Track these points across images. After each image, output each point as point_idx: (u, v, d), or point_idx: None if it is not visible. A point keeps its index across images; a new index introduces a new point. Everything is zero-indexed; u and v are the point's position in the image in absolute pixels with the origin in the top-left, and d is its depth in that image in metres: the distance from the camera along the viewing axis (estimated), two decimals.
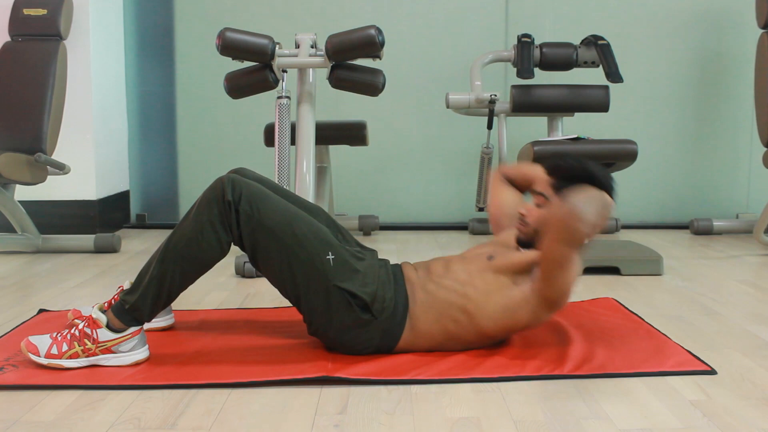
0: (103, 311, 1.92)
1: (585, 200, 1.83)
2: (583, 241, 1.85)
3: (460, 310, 1.93)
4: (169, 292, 1.89)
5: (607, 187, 1.97)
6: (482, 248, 2.11)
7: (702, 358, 1.96)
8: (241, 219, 1.87)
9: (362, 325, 1.90)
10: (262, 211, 1.87)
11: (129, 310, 1.88)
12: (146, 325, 2.05)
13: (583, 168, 1.99)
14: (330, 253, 1.89)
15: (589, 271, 3.02)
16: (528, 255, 1.97)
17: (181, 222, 1.92)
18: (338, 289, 1.88)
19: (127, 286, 1.99)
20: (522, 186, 2.29)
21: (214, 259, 1.91)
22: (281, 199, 1.95)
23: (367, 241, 3.86)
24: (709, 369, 1.88)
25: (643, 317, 2.37)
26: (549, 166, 2.06)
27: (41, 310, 2.44)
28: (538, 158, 3.18)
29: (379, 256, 2.15)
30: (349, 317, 1.89)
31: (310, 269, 1.88)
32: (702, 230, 4.02)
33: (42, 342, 1.90)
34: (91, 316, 1.90)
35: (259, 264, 1.93)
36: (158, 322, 2.22)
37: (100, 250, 3.50)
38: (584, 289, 2.77)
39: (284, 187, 2.99)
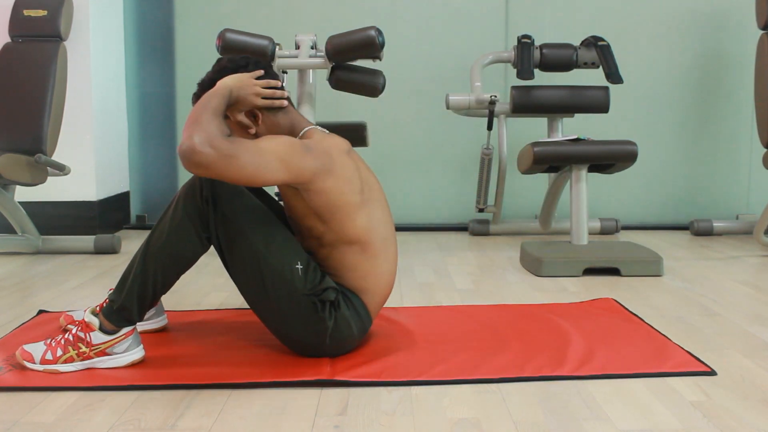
0: (96, 314, 1.91)
1: (184, 131, 1.71)
2: (220, 150, 1.67)
3: (344, 249, 1.91)
4: (154, 289, 1.88)
5: (219, 76, 1.91)
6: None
7: (702, 359, 1.96)
8: (217, 216, 1.85)
9: (335, 326, 1.89)
10: (236, 211, 1.86)
11: (117, 311, 1.88)
12: (139, 328, 2.05)
13: (202, 84, 1.94)
14: (299, 263, 1.87)
15: (589, 271, 3.02)
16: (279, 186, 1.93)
17: (161, 217, 1.91)
18: (306, 297, 1.86)
19: None
20: None
21: (195, 255, 1.89)
22: (258, 201, 1.93)
23: None
24: (709, 370, 1.88)
25: (643, 318, 2.37)
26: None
27: (41, 311, 2.44)
28: (538, 159, 3.18)
29: None
30: (318, 324, 1.88)
31: (278, 276, 1.85)
32: (702, 231, 4.02)
33: (36, 349, 1.89)
34: (83, 320, 1.90)
35: (228, 263, 1.90)
36: (150, 324, 2.22)
37: (100, 251, 3.50)
38: (584, 289, 2.78)
39: None
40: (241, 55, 1.98)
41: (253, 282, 1.88)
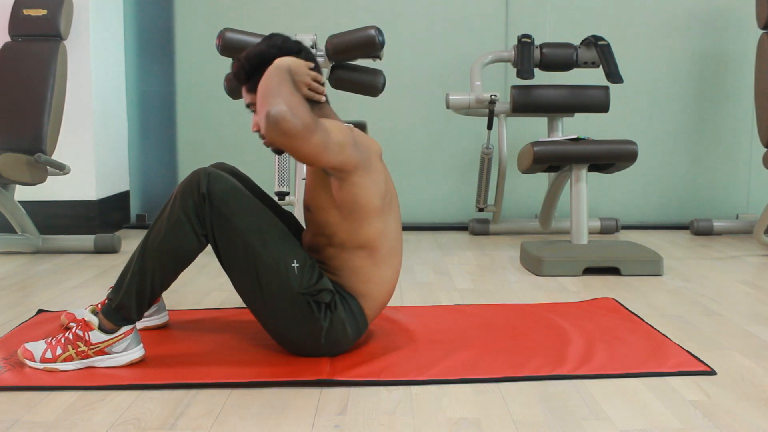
0: (95, 313, 1.91)
1: (263, 98, 1.76)
2: (306, 123, 1.73)
3: (352, 252, 1.93)
4: (152, 288, 1.88)
5: (278, 53, 1.91)
6: (303, 207, 2.08)
7: (702, 359, 1.96)
8: (213, 214, 1.86)
9: (329, 327, 1.89)
10: (233, 209, 1.86)
11: (116, 309, 1.88)
12: (140, 324, 2.04)
13: (248, 55, 1.93)
14: (295, 261, 1.87)
15: (589, 271, 3.02)
16: (309, 174, 1.96)
17: (158, 215, 1.91)
18: (301, 296, 1.86)
19: None
20: None
21: (192, 252, 1.89)
22: (255, 198, 1.93)
23: None
24: (709, 369, 1.88)
25: (643, 317, 2.37)
26: (232, 76, 2.01)
27: (40, 311, 2.44)
28: (538, 159, 3.18)
29: None
30: (313, 323, 1.88)
31: (274, 275, 1.85)
32: (702, 231, 4.03)
33: (37, 347, 1.90)
34: (83, 318, 1.90)
35: (224, 261, 1.90)
36: (152, 320, 2.22)
37: (100, 250, 3.50)
38: (584, 289, 2.78)
39: (284, 187, 2.99)
40: (294, 40, 1.97)
41: (248, 280, 1.88)
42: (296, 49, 1.95)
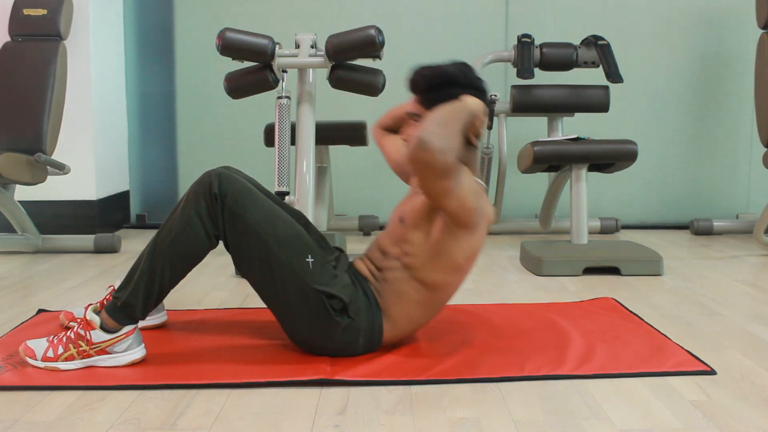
0: (97, 312, 1.91)
1: (430, 122, 1.78)
2: (447, 166, 1.77)
3: (411, 281, 1.94)
4: (161, 287, 1.89)
5: (467, 83, 1.93)
6: (396, 212, 2.07)
7: (702, 359, 1.96)
8: (225, 213, 1.86)
9: (343, 329, 1.89)
10: (246, 207, 1.87)
11: (121, 307, 1.88)
12: (140, 324, 2.04)
13: (437, 72, 1.95)
14: (310, 256, 1.88)
15: (589, 271, 3.02)
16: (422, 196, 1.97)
17: (169, 216, 1.91)
18: (316, 292, 1.86)
19: (117, 285, 1.99)
20: (400, 126, 2.30)
21: (203, 252, 1.90)
22: (266, 198, 1.94)
23: (366, 241, 3.86)
24: (709, 369, 1.88)
25: (642, 317, 2.37)
26: (408, 83, 2.03)
27: (40, 311, 2.44)
28: (538, 159, 3.18)
29: None
30: (327, 321, 1.88)
31: (289, 271, 1.86)
32: (702, 230, 4.02)
33: (39, 345, 1.90)
34: (85, 317, 1.90)
35: (239, 261, 1.92)
36: (151, 320, 2.22)
37: (100, 250, 3.50)
38: (584, 289, 2.77)
39: (284, 187, 2.99)
40: (481, 79, 1.98)
41: (264, 277, 1.89)
42: (481, 88, 1.96)
